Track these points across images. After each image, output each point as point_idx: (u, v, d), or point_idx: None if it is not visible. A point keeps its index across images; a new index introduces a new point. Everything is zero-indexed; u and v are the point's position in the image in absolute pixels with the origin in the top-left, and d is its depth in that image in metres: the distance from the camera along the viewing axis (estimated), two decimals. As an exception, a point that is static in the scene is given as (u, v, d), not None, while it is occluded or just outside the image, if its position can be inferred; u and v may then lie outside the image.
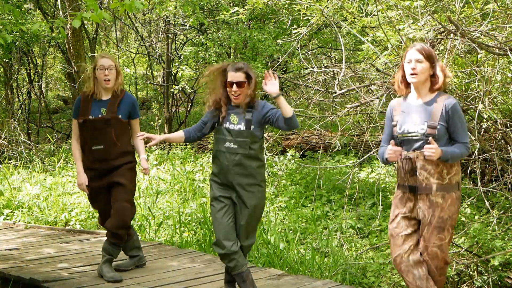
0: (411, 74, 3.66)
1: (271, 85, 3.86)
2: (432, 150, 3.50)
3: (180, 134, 4.30)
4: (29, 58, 15.59)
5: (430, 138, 3.56)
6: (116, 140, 4.71)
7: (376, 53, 6.44)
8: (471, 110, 6.03)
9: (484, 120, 6.34)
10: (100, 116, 4.70)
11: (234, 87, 4.02)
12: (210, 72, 4.16)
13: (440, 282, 3.75)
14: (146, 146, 4.70)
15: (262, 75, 4.08)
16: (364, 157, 7.02)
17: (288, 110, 3.86)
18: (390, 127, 3.83)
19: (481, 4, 6.42)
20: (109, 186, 4.80)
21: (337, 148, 8.13)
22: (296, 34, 7.37)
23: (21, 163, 10.53)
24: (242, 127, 4.03)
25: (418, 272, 3.69)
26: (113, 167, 4.76)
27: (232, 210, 4.12)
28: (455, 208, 3.65)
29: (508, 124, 6.16)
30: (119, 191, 4.74)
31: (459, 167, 3.70)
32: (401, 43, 5.83)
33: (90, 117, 4.71)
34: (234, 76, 4.03)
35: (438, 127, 3.59)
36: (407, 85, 3.77)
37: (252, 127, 4.04)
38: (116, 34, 18.27)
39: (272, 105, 4.13)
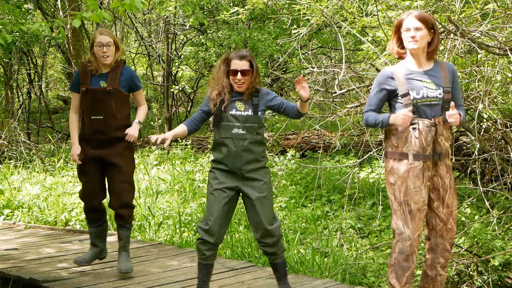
0: (411, 42, 3.61)
1: (304, 90, 3.88)
2: (456, 115, 3.52)
3: (183, 128, 4.17)
4: (29, 58, 15.59)
5: (452, 103, 3.54)
6: (116, 112, 4.68)
7: (376, 53, 6.44)
8: (471, 110, 6.03)
9: (484, 120, 6.33)
10: (101, 86, 4.68)
11: (239, 76, 3.96)
12: (216, 65, 4.14)
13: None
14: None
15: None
16: (364, 157, 7.02)
17: (307, 108, 4.05)
18: (384, 94, 3.72)
19: (481, 4, 6.42)
20: (104, 163, 4.76)
21: (337, 148, 8.13)
22: (296, 34, 7.37)
23: (21, 163, 10.53)
24: (249, 112, 4.00)
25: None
26: (112, 139, 4.70)
27: (233, 202, 4.07)
28: None
29: (508, 124, 6.16)
30: (116, 173, 4.73)
31: None
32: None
33: (91, 87, 4.68)
34: (238, 64, 3.97)
35: (452, 91, 3.63)
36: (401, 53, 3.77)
37: (259, 112, 4.03)
38: (116, 34, 18.25)
39: (275, 93, 4.18)
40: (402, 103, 3.63)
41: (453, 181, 3.68)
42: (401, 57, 3.79)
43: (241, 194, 4.09)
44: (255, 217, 4.02)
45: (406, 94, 3.61)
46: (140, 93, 4.89)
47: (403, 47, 3.73)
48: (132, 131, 4.67)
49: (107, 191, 4.91)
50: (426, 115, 3.60)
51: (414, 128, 3.59)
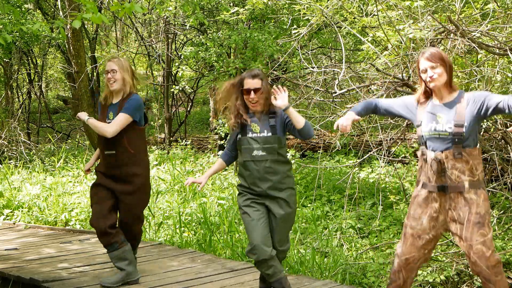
0: (430, 82, 3.65)
1: (280, 99, 3.84)
2: None
3: (220, 162, 4.24)
4: (29, 58, 15.60)
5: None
6: (128, 146, 4.52)
7: (376, 53, 6.44)
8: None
9: (484, 120, 6.33)
10: (109, 119, 4.54)
11: (252, 94, 3.98)
12: (225, 89, 4.12)
13: (499, 283, 3.58)
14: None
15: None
16: (364, 157, 7.02)
17: (299, 120, 3.86)
18: (400, 108, 3.85)
19: (481, 4, 6.42)
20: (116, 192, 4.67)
21: (337, 148, 8.14)
22: (296, 34, 7.36)
23: (21, 163, 10.53)
24: (267, 133, 4.00)
25: (414, 276, 3.80)
26: (126, 175, 4.57)
27: (266, 216, 4.05)
28: (489, 204, 3.63)
29: (508, 124, 6.15)
30: (125, 210, 4.66)
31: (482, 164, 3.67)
32: (401, 43, 5.84)
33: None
34: (251, 83, 3.99)
35: (466, 124, 3.57)
36: (429, 93, 3.76)
37: (277, 132, 4.01)
38: (116, 34, 18.27)
39: None
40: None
41: (475, 215, 3.55)
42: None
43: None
44: (272, 234, 4.06)
45: (418, 126, 3.74)
46: (120, 115, 4.46)
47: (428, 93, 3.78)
48: (80, 114, 4.58)
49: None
50: (434, 148, 3.63)
51: (425, 160, 3.69)
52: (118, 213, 4.71)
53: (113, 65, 4.55)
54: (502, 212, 6.35)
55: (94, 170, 4.80)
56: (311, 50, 11.73)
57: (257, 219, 4.00)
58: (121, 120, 4.45)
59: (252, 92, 3.98)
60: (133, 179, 4.59)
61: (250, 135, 4.02)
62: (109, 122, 4.49)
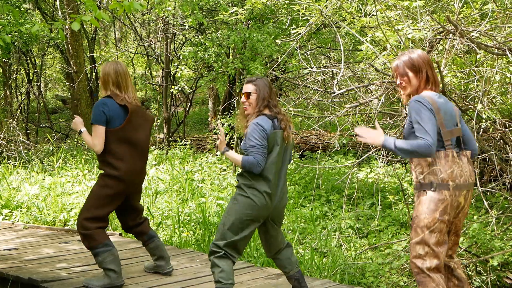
0: (400, 90, 3.66)
1: (219, 143, 3.93)
2: (360, 130, 3.56)
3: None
4: (28, 58, 15.61)
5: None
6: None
7: (375, 53, 6.44)
8: (470, 110, 6.03)
9: (483, 120, 6.33)
10: None
11: (243, 98, 4.06)
12: None
13: None
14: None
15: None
16: (363, 157, 7.02)
17: (237, 163, 3.91)
18: None
19: (480, 4, 6.43)
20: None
21: (336, 148, 8.14)
22: (295, 34, 7.36)
23: (20, 163, 10.52)
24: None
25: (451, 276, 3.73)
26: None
27: None
28: (424, 209, 3.46)
29: (507, 124, 6.16)
30: None
31: (442, 167, 3.47)
32: (400, 43, 5.84)
33: None
34: (244, 87, 4.09)
35: (404, 125, 3.63)
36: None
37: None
38: (115, 34, 18.26)
39: (254, 131, 3.93)
40: None
41: (412, 216, 3.57)
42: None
43: None
44: None
45: None
46: (93, 128, 4.40)
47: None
48: (76, 121, 4.54)
49: (134, 212, 4.81)
50: None
51: None
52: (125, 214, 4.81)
53: None
54: (501, 212, 6.36)
55: None
56: (310, 50, 11.73)
57: None
58: (94, 132, 4.40)
59: (243, 96, 4.07)
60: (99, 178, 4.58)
61: None
62: None
